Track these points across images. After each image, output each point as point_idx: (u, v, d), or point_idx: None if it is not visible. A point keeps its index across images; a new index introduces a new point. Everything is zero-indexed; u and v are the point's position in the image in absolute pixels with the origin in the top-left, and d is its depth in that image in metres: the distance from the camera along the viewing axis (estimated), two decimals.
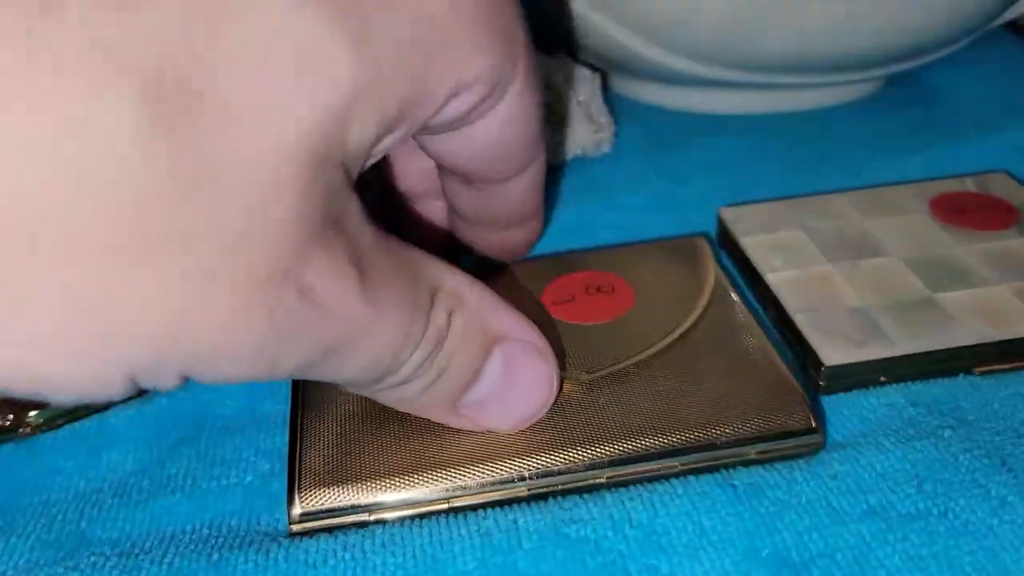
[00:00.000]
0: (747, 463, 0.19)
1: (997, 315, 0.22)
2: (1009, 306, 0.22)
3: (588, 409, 0.20)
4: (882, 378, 0.21)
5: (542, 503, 0.18)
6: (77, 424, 0.22)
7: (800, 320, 0.22)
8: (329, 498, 0.18)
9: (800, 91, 0.35)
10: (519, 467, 0.19)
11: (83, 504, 0.20)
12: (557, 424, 0.19)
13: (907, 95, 0.36)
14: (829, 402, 0.21)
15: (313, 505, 0.18)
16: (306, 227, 0.14)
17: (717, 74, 0.33)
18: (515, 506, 0.18)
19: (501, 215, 0.23)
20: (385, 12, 0.15)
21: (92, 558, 0.18)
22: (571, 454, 0.19)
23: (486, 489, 0.18)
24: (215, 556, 0.18)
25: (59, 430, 0.22)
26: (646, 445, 0.19)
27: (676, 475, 0.19)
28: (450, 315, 0.17)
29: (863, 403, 0.21)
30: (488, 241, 0.24)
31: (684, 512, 0.18)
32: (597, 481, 0.19)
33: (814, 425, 0.19)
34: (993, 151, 0.31)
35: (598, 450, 0.19)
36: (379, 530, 0.18)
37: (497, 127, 0.19)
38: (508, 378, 0.18)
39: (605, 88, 0.35)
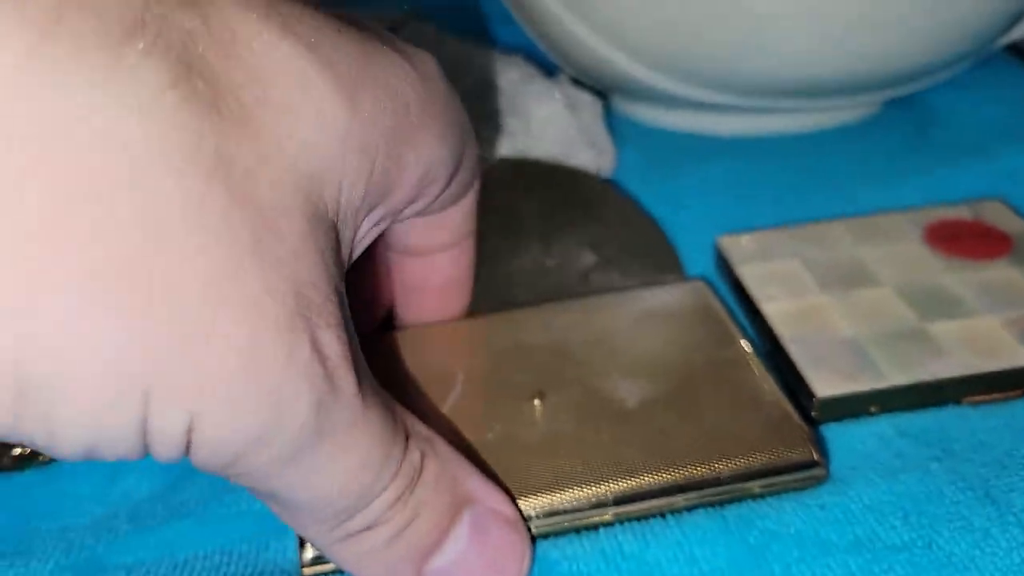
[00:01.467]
0: (751, 497, 0.19)
1: (987, 346, 0.22)
2: (998, 337, 0.23)
3: (590, 446, 0.20)
4: (872, 408, 0.22)
5: (544, 539, 0.19)
6: None
7: (793, 351, 0.23)
8: None
9: (798, 114, 0.36)
10: (526, 507, 0.19)
11: (99, 529, 0.21)
12: (559, 462, 0.20)
13: (905, 117, 0.36)
14: (821, 431, 0.21)
15: None
16: (325, 276, 0.15)
17: (714, 98, 0.33)
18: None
19: (444, 276, 0.23)
20: (372, 90, 0.16)
21: None
22: (576, 492, 0.19)
23: None
24: None
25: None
26: (649, 481, 0.19)
27: (676, 510, 0.19)
28: (423, 457, 0.17)
29: (853, 434, 0.21)
30: (427, 309, 0.24)
31: (675, 542, 0.19)
32: (604, 518, 0.19)
33: (816, 458, 0.20)
34: (989, 176, 0.32)
35: (602, 487, 0.19)
36: None
37: (463, 214, 0.21)
38: (477, 545, 0.17)
39: (607, 111, 0.35)
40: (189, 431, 0.13)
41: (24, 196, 0.12)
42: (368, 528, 0.16)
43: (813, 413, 0.22)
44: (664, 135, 0.37)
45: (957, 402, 0.22)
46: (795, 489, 0.20)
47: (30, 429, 0.13)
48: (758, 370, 0.22)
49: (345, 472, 0.15)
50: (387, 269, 0.24)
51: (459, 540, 0.17)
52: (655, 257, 0.28)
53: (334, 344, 0.15)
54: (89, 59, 0.12)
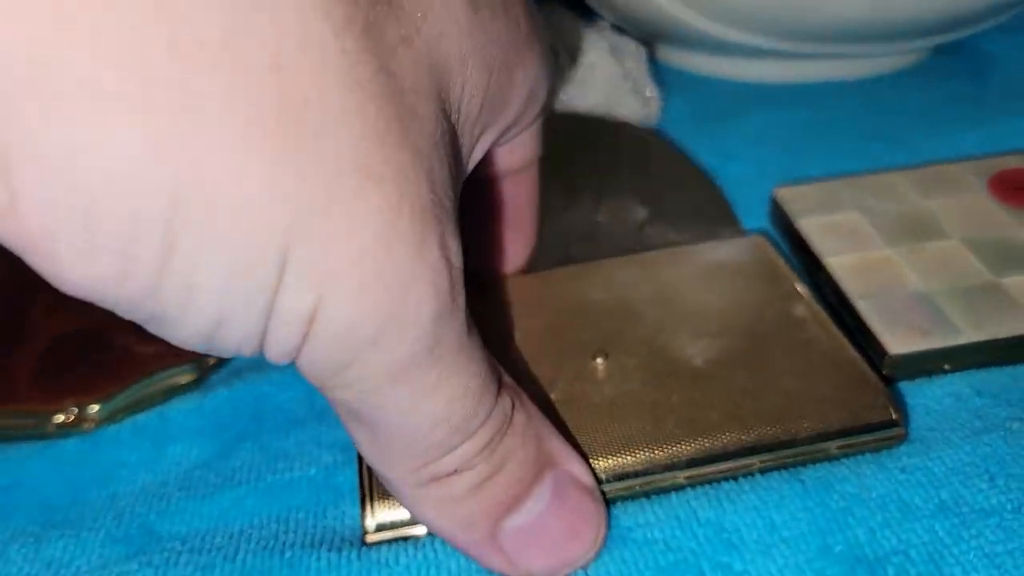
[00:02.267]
0: (828, 458, 0.19)
1: None
2: None
3: (660, 408, 0.19)
4: (947, 366, 0.21)
5: (613, 505, 0.18)
6: (139, 417, 0.22)
7: (862, 307, 0.22)
8: (401, 512, 0.18)
9: (847, 60, 0.34)
10: (594, 470, 0.18)
11: (150, 498, 0.20)
12: (630, 424, 0.19)
13: (956, 64, 0.35)
14: (893, 391, 0.21)
15: (386, 519, 0.18)
16: (450, 179, 0.14)
17: (762, 43, 0.32)
18: None
19: (514, 202, 0.22)
20: (487, 10, 0.15)
21: (164, 554, 0.18)
22: (647, 454, 0.18)
23: None
24: (288, 554, 0.18)
25: (121, 423, 0.22)
26: (723, 443, 0.19)
27: (752, 473, 0.19)
28: (513, 407, 0.16)
29: (928, 393, 0.20)
30: (496, 251, 0.23)
31: (752, 508, 0.18)
32: (676, 481, 0.19)
33: (895, 417, 0.19)
34: None
35: (674, 449, 0.19)
36: None
37: (533, 138, 0.20)
38: (556, 508, 0.17)
39: (651, 59, 0.34)
40: (312, 317, 0.13)
41: (197, 18, 0.11)
42: (454, 472, 0.16)
43: (885, 371, 0.21)
44: (709, 83, 0.35)
45: None
46: (873, 450, 0.19)
47: (167, 295, 0.12)
48: (828, 328, 0.21)
49: (447, 400, 0.15)
50: None
51: (540, 500, 0.16)
52: (708, 210, 0.27)
53: (457, 252, 0.14)
54: None
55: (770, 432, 0.19)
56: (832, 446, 0.19)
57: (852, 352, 0.20)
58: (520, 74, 0.17)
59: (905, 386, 0.21)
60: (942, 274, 0.23)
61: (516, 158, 0.21)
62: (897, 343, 0.21)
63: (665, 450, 0.19)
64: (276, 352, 0.13)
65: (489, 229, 0.23)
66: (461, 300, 0.14)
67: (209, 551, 0.18)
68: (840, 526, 0.17)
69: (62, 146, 0.11)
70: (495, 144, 0.18)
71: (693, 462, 0.18)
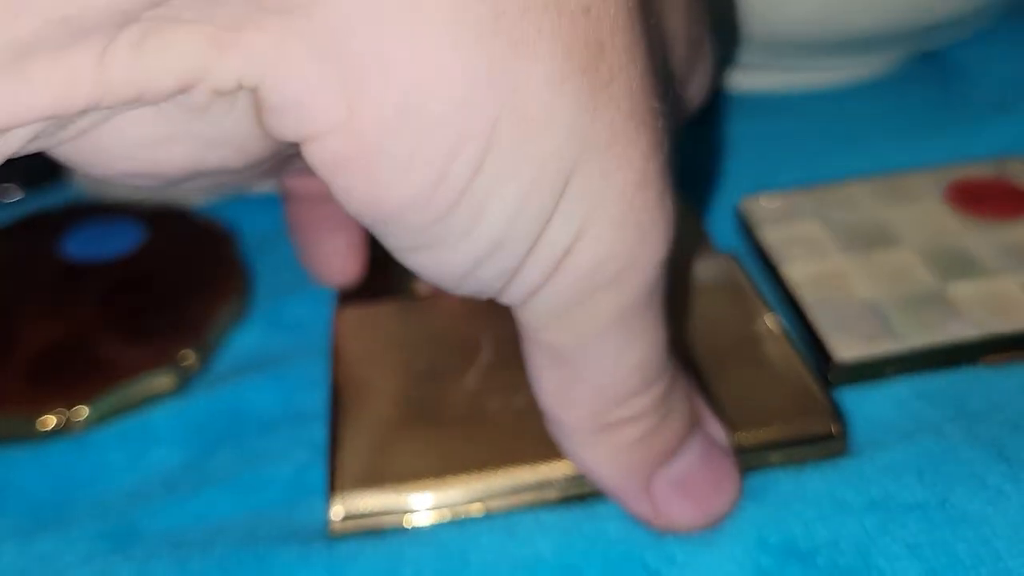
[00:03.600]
0: (769, 466, 0.20)
1: (1004, 306, 0.22)
2: (1017, 297, 0.23)
3: None
4: (889, 371, 0.22)
5: (567, 505, 0.19)
6: (123, 422, 0.23)
7: (812, 315, 0.23)
8: (366, 503, 0.19)
9: (817, 70, 0.35)
10: (550, 472, 0.20)
11: (134, 497, 0.21)
12: None
13: (927, 73, 0.36)
14: (838, 395, 0.22)
15: (352, 510, 0.19)
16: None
17: (731, 53, 0.33)
18: (543, 508, 0.19)
19: None
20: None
21: (146, 549, 0.20)
22: None
23: (519, 491, 0.20)
24: (260, 547, 0.19)
25: (107, 428, 0.23)
26: None
27: None
28: (675, 366, 0.17)
29: (871, 397, 0.21)
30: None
31: None
32: None
33: (834, 432, 0.20)
34: (1016, 134, 0.31)
35: None
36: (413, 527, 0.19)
37: None
38: (704, 462, 0.18)
39: None
40: (569, 250, 0.14)
41: None
42: (629, 420, 0.17)
43: (831, 377, 0.22)
44: None
45: (974, 363, 0.22)
46: (813, 459, 0.20)
47: (460, 217, 0.13)
48: (783, 345, 0.22)
49: (649, 347, 0.16)
50: None
51: (691, 453, 0.18)
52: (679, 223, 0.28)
53: (669, 196, 0.15)
54: None
55: None
56: (773, 456, 0.20)
57: (802, 369, 0.21)
58: (700, 67, 0.19)
59: (850, 391, 0.22)
60: (890, 282, 0.24)
61: None
62: (843, 349, 0.22)
63: None
64: (518, 291, 0.14)
65: None
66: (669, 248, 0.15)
67: (187, 545, 0.20)
68: (775, 520, 0.18)
69: (406, 64, 0.12)
70: None
71: None
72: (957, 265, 0.24)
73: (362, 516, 0.19)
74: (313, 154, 0.13)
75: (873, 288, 0.23)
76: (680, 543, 0.18)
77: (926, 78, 0.35)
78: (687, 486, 0.18)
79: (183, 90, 0.12)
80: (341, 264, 0.25)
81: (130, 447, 0.23)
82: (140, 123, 0.13)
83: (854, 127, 0.33)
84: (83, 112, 0.12)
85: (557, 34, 0.12)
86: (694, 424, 0.18)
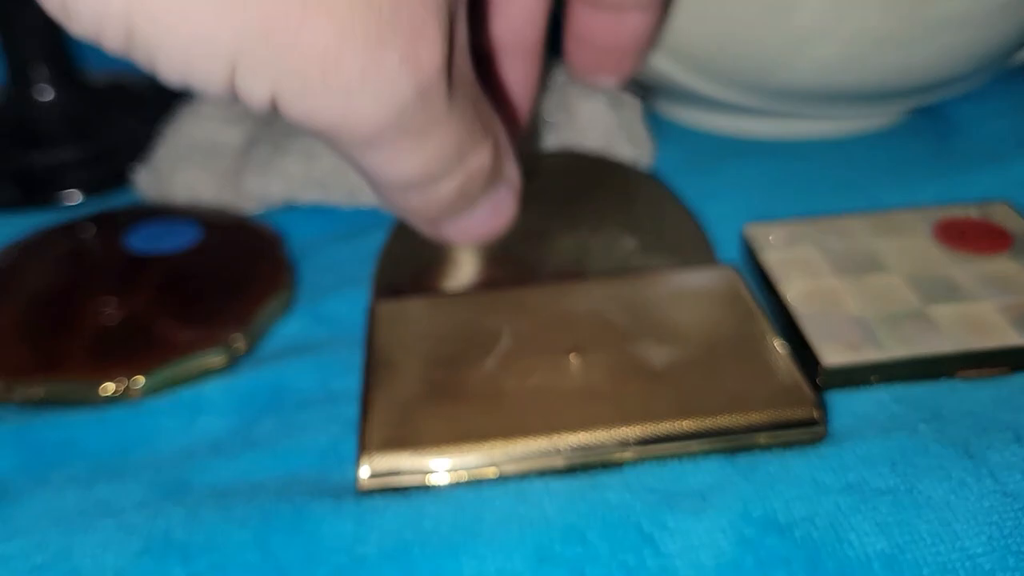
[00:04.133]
0: (757, 447, 0.22)
1: (980, 327, 0.25)
2: (992, 320, 0.25)
3: (619, 396, 0.23)
4: (873, 378, 0.24)
5: (573, 474, 0.22)
6: (176, 392, 0.26)
7: (804, 325, 0.25)
8: (391, 463, 0.22)
9: (827, 120, 0.38)
10: (558, 442, 0.22)
11: (184, 457, 0.24)
12: (591, 407, 0.23)
13: (927, 126, 0.38)
14: (825, 397, 0.24)
15: (378, 469, 0.22)
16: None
17: (747, 101, 0.36)
18: (551, 474, 0.22)
19: (614, 37, 0.26)
20: None
21: (194, 497, 0.22)
22: (604, 432, 0.22)
23: (529, 458, 0.22)
24: (296, 499, 0.21)
25: (161, 397, 0.26)
26: (668, 427, 0.22)
27: (692, 454, 0.22)
28: (490, 157, 0.20)
29: (854, 400, 0.24)
30: (589, 63, 0.27)
31: (689, 481, 0.21)
32: (625, 456, 0.22)
33: (816, 417, 0.22)
34: (1002, 183, 0.34)
35: (627, 430, 0.22)
36: (433, 487, 0.22)
37: None
38: (490, 213, 0.21)
39: (647, 111, 0.38)
40: (272, 102, 0.16)
41: None
42: (427, 209, 0.20)
43: (818, 379, 0.24)
44: (700, 135, 0.39)
45: (951, 376, 0.24)
46: (797, 443, 0.22)
47: (138, 58, 0.15)
48: (774, 345, 0.24)
49: (423, 160, 0.18)
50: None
51: (479, 209, 0.21)
52: (689, 244, 0.31)
53: (429, 53, 0.16)
54: None
55: (708, 421, 0.22)
56: (761, 437, 0.22)
57: (791, 364, 0.24)
58: None
59: (836, 394, 0.24)
60: (878, 301, 0.26)
61: (516, 38, 0.24)
62: (830, 355, 0.24)
63: (619, 430, 0.22)
64: (253, 107, 0.17)
65: (580, 58, 0.27)
66: (436, 91, 0.17)
67: (231, 496, 0.22)
68: (760, 496, 0.20)
69: None
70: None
71: (642, 441, 0.22)
72: (940, 290, 0.26)
73: (387, 474, 0.22)
74: None
75: (861, 305, 0.26)
76: (672, 512, 0.20)
77: (925, 130, 0.38)
78: (468, 228, 0.21)
79: None
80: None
81: (181, 414, 0.25)
82: None
83: (855, 172, 0.35)
84: None
85: None
86: (495, 183, 0.20)
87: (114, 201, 0.36)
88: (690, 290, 0.27)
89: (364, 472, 0.22)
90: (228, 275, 0.29)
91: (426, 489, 0.22)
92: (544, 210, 0.31)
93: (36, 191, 0.36)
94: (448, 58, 0.17)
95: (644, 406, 0.22)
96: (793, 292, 0.27)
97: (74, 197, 0.36)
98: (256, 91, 0.16)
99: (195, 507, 0.22)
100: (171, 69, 0.15)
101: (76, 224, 0.32)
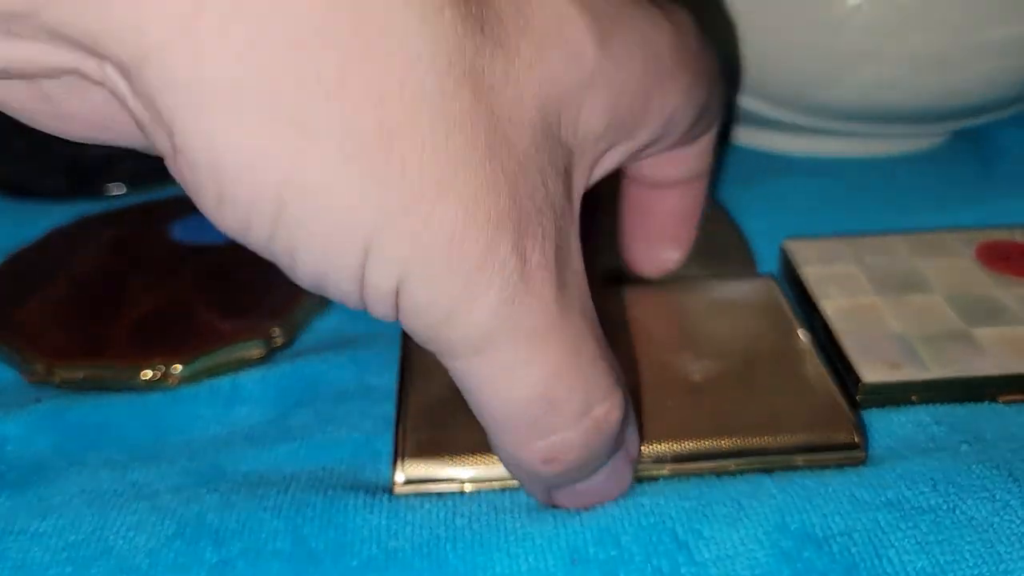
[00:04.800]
0: (794, 469, 0.22)
1: None
2: None
3: (657, 410, 0.23)
4: (913, 398, 0.24)
5: None
6: (214, 381, 0.26)
7: (845, 342, 0.25)
8: (425, 470, 0.22)
9: (870, 139, 0.38)
10: None
11: (219, 444, 0.24)
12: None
13: (971, 150, 0.38)
14: (864, 415, 0.24)
15: (412, 475, 0.22)
16: (543, 191, 0.17)
17: (791, 119, 0.36)
18: None
19: (669, 207, 0.26)
20: (624, 35, 0.18)
21: (228, 484, 0.22)
22: (641, 447, 0.22)
23: None
24: (329, 493, 0.22)
25: (199, 385, 0.26)
26: (706, 444, 0.22)
27: (730, 472, 0.22)
28: (616, 413, 0.18)
29: (894, 418, 0.23)
30: (648, 234, 0.27)
31: (725, 492, 0.21)
32: (662, 472, 0.22)
33: (856, 440, 0.22)
34: None
35: (664, 445, 0.22)
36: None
37: (697, 153, 0.24)
38: (606, 481, 0.20)
39: None
40: (396, 293, 0.16)
41: (320, 60, 0.14)
42: (547, 462, 0.18)
43: (858, 397, 0.24)
44: (742, 151, 0.39)
45: (993, 399, 0.24)
46: (835, 466, 0.22)
47: (278, 253, 0.16)
48: (813, 360, 0.24)
49: (539, 376, 0.17)
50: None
51: (599, 477, 0.20)
52: (732, 255, 0.31)
53: (537, 251, 0.17)
54: None
55: (747, 440, 0.22)
56: (799, 459, 0.22)
57: (830, 383, 0.23)
58: (658, 101, 0.20)
59: (875, 412, 0.24)
60: (920, 321, 0.26)
61: (676, 169, 0.25)
62: (870, 373, 0.24)
63: (656, 445, 0.22)
64: (376, 312, 0.17)
65: (641, 233, 0.27)
66: (542, 289, 0.17)
67: (265, 485, 0.22)
68: (797, 509, 0.20)
69: (205, 135, 0.14)
70: (634, 158, 0.22)
71: (678, 457, 0.22)
72: (982, 312, 0.26)
73: (421, 481, 0.22)
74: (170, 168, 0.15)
75: (903, 324, 0.26)
76: (708, 520, 0.20)
77: (968, 153, 0.38)
78: (584, 495, 0.20)
79: (45, 75, 0.15)
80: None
81: (218, 403, 0.25)
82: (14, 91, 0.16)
83: (896, 192, 0.35)
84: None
85: (343, 122, 0.14)
86: (614, 452, 0.19)
87: (159, 194, 0.36)
88: (729, 301, 0.27)
89: (399, 478, 0.22)
90: (268, 269, 0.29)
91: (459, 493, 0.22)
92: (595, 220, 0.31)
93: (83, 181, 0.37)
94: (555, 263, 0.17)
95: (681, 422, 0.22)
96: (832, 308, 0.26)
97: (120, 188, 0.37)
98: (384, 279, 0.16)
99: (229, 494, 0.22)
100: (309, 259, 0.16)
101: (122, 213, 0.33)
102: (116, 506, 0.22)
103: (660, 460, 0.22)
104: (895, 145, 0.38)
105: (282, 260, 0.16)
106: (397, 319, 0.17)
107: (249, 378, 0.26)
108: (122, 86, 0.15)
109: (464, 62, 0.15)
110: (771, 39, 0.33)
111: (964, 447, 0.22)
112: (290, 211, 0.15)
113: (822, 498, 0.21)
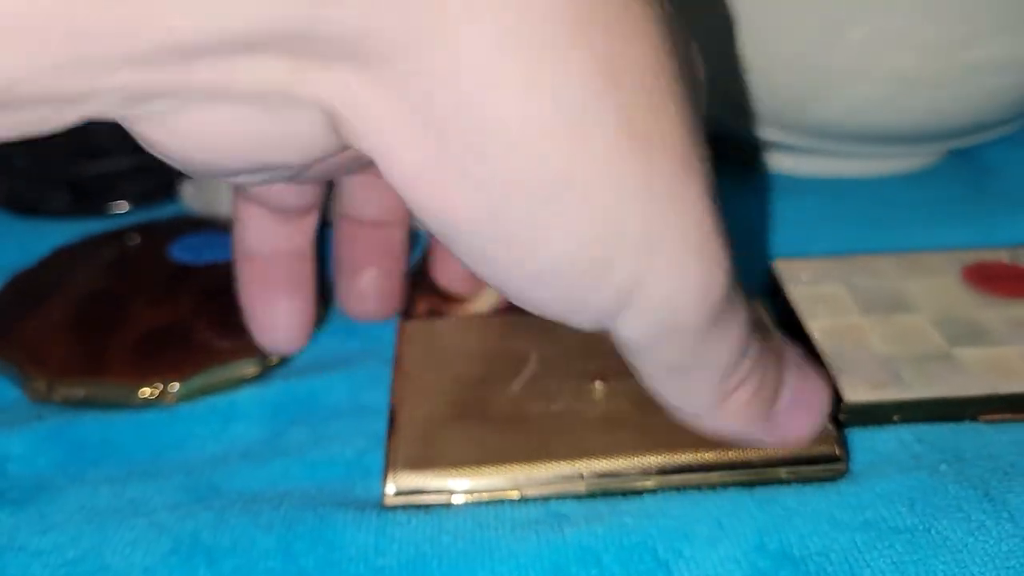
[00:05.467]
0: (778, 481, 0.22)
1: (1005, 371, 0.25)
2: (1017, 364, 0.25)
3: (642, 424, 0.23)
4: (895, 417, 0.24)
5: (593, 498, 0.22)
6: (211, 399, 0.27)
7: (828, 361, 0.25)
8: (415, 482, 0.22)
9: (864, 159, 0.38)
10: (580, 468, 0.22)
11: (215, 462, 0.24)
12: (615, 435, 0.23)
13: (963, 170, 0.38)
14: (847, 433, 0.24)
15: (403, 487, 0.22)
16: None
17: (781, 138, 0.36)
18: (571, 498, 0.22)
19: None
20: None
21: (223, 502, 0.23)
22: (626, 460, 0.22)
23: (550, 483, 0.22)
24: (320, 509, 0.22)
25: (196, 403, 0.27)
26: (689, 457, 0.22)
27: (712, 485, 0.22)
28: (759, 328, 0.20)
29: (876, 437, 0.24)
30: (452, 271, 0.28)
31: (707, 510, 0.21)
32: (646, 485, 0.22)
33: (837, 453, 0.22)
34: None
35: (649, 458, 0.22)
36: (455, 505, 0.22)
37: None
38: (800, 381, 0.21)
39: None
40: (638, 282, 0.17)
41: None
42: (738, 387, 0.20)
43: (841, 416, 0.24)
44: (732, 170, 0.39)
45: (974, 419, 0.24)
46: (817, 479, 0.22)
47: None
48: None
49: (737, 335, 0.19)
50: None
51: (789, 383, 0.21)
52: None
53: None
54: None
55: (730, 453, 0.22)
56: (782, 471, 0.22)
57: None
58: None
59: (858, 431, 0.24)
60: (904, 341, 0.26)
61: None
62: (853, 392, 0.24)
63: (641, 459, 0.22)
64: (595, 315, 0.17)
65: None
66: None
67: (259, 502, 0.23)
68: (776, 529, 0.21)
69: (479, 113, 0.14)
70: None
71: (662, 470, 0.22)
72: (966, 333, 0.26)
73: (411, 493, 0.22)
74: (389, 170, 0.15)
75: (887, 344, 0.26)
76: (689, 540, 0.21)
77: (959, 173, 0.38)
78: (797, 405, 0.21)
79: (261, 98, 0.14)
80: (288, 329, 0.27)
81: (214, 420, 0.26)
82: (214, 116, 0.14)
83: (887, 212, 0.36)
84: (162, 95, 0.13)
85: (613, 108, 0.15)
86: (783, 361, 0.21)
87: (161, 212, 0.37)
88: None
89: (390, 489, 0.22)
90: None
91: (447, 506, 0.22)
92: None
93: (87, 200, 0.38)
94: None
95: (666, 435, 0.23)
96: (818, 328, 0.27)
97: (123, 207, 0.38)
98: (630, 267, 0.16)
99: (223, 511, 0.22)
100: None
101: (123, 232, 0.33)
102: (114, 523, 0.22)
103: (646, 472, 0.22)
104: (887, 165, 0.38)
105: (515, 254, 0.16)
106: (620, 326, 0.18)
107: (245, 397, 0.27)
108: (348, 96, 0.14)
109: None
110: (759, 58, 0.33)
111: (943, 466, 0.22)
112: (554, 201, 0.15)
113: (801, 518, 0.21)
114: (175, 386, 0.26)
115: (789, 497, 0.22)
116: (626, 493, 0.22)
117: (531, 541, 0.21)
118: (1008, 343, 0.26)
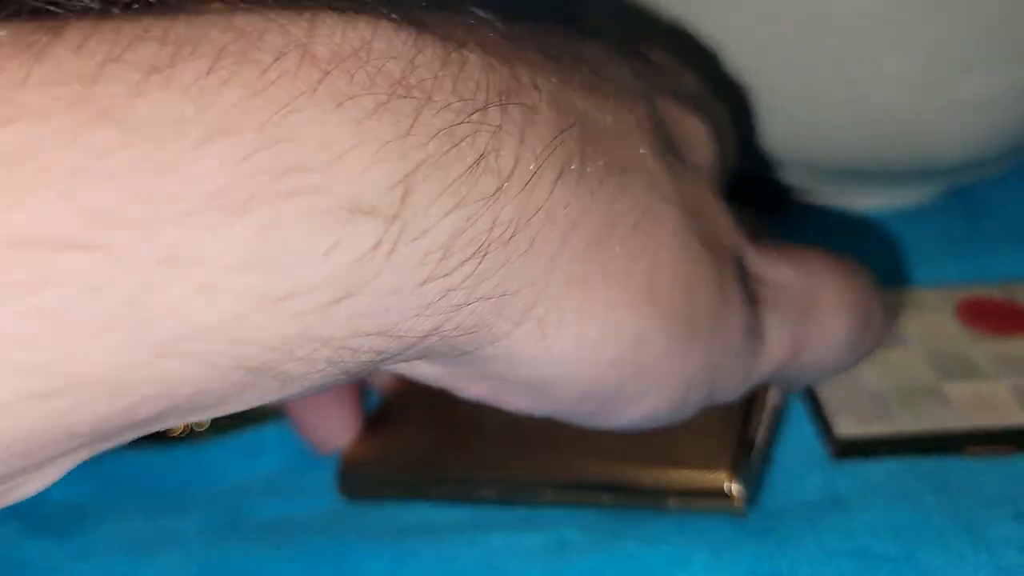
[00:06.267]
0: (667, 511, 0.23)
1: (992, 405, 0.26)
2: (1003, 400, 0.26)
3: (556, 438, 0.23)
4: (884, 450, 0.25)
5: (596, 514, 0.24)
6: (238, 436, 0.28)
7: (821, 396, 0.27)
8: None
9: (858, 195, 0.39)
10: (487, 476, 0.24)
11: (241, 493, 0.26)
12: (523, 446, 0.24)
13: (957, 206, 0.40)
14: (838, 466, 0.25)
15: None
16: None
17: (772, 176, 0.37)
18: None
19: None
20: None
21: (249, 531, 0.24)
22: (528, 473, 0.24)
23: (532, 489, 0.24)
24: (341, 538, 0.24)
25: (224, 439, 0.28)
26: (579, 472, 0.24)
27: (604, 506, 0.23)
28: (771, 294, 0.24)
29: (866, 469, 0.25)
30: None
31: (706, 540, 0.23)
32: (544, 499, 0.24)
33: (733, 493, 0.23)
34: None
35: (544, 470, 0.24)
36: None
37: None
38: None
39: None
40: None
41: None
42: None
43: (832, 450, 0.25)
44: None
45: (960, 452, 0.25)
46: (711, 513, 0.23)
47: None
48: (739, 412, 0.24)
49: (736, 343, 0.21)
50: None
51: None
52: None
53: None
54: None
55: (619, 473, 0.23)
56: (670, 501, 0.23)
57: (737, 427, 0.24)
58: None
59: (849, 463, 0.25)
60: (895, 375, 0.27)
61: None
62: (843, 426, 0.25)
63: (539, 472, 0.24)
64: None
65: None
66: (720, 332, 0.21)
67: (282, 531, 0.24)
68: (768, 556, 0.22)
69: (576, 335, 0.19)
70: None
71: (559, 485, 0.24)
72: (956, 368, 0.27)
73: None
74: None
75: (878, 379, 0.27)
76: (683, 567, 0.22)
77: (954, 210, 0.39)
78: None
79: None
80: (343, 436, 0.27)
81: (241, 454, 0.28)
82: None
83: (881, 248, 0.37)
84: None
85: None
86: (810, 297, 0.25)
87: None
88: None
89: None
90: None
91: (459, 533, 0.23)
92: None
93: None
94: None
95: (569, 448, 0.23)
96: None
97: None
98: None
99: (248, 541, 0.24)
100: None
101: None
102: (147, 551, 0.24)
103: (543, 484, 0.24)
104: (880, 201, 0.39)
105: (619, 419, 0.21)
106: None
107: (271, 432, 0.28)
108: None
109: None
110: (749, 94, 0.34)
111: (929, 498, 0.24)
112: (635, 380, 0.20)
113: (793, 546, 0.22)
114: (203, 423, 0.28)
115: (783, 527, 0.23)
116: (530, 504, 0.24)
117: (536, 569, 0.22)
118: (996, 377, 0.27)
